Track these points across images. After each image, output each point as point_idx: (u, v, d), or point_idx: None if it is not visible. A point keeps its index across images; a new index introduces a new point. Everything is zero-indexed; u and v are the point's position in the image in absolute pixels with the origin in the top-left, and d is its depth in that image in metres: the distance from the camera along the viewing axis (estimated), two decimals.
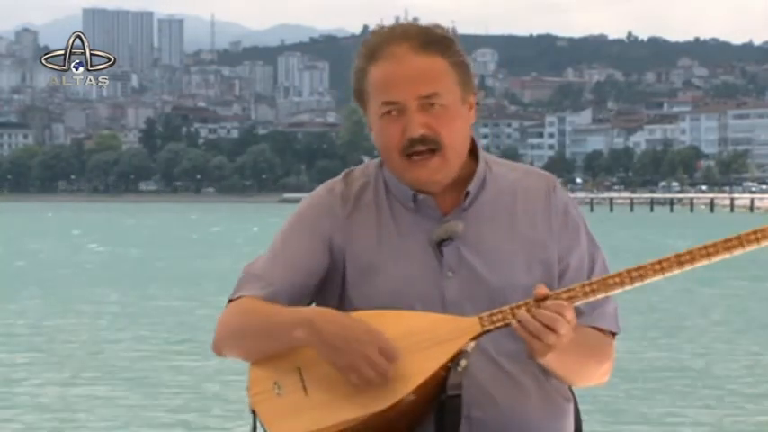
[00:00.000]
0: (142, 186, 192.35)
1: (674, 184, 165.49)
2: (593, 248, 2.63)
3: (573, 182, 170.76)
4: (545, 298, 2.41)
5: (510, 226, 2.57)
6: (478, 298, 2.51)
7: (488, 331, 2.43)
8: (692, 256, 2.40)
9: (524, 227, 2.57)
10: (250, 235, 61.31)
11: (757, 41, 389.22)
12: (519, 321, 2.40)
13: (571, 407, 2.65)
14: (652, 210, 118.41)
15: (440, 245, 2.54)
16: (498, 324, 2.43)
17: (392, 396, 2.39)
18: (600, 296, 2.44)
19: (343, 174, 2.67)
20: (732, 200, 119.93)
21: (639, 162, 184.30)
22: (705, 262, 2.41)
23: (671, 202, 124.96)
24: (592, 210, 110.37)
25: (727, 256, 2.40)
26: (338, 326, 2.41)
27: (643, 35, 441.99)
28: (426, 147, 2.50)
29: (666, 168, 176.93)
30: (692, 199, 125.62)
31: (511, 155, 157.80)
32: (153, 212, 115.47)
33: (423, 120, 2.50)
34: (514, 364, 2.53)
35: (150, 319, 23.68)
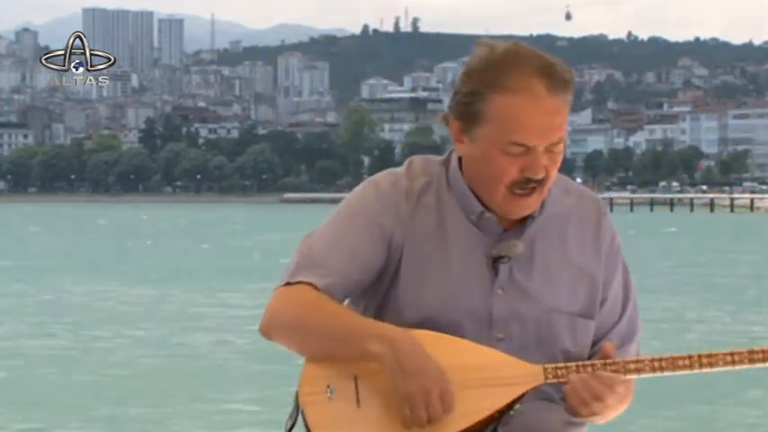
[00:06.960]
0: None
1: (674, 184, 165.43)
2: (627, 281, 2.62)
3: None
4: (612, 361, 2.43)
5: (561, 250, 2.54)
6: (524, 319, 2.48)
7: (549, 384, 2.43)
8: (765, 356, 2.40)
9: (574, 253, 2.55)
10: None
11: (757, 41, 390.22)
12: (572, 385, 2.42)
13: None
14: (652, 210, 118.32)
15: (495, 261, 2.50)
16: (562, 380, 2.42)
17: (446, 429, 2.36)
18: (667, 374, 2.44)
19: (405, 165, 2.58)
20: (732, 200, 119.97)
21: (639, 162, 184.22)
22: None
23: (671, 202, 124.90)
24: None
25: None
26: (416, 353, 2.36)
27: (643, 35, 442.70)
28: (535, 185, 2.46)
29: (666, 168, 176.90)
30: (691, 199, 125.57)
31: None
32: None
33: (545, 162, 2.44)
34: None
35: None
